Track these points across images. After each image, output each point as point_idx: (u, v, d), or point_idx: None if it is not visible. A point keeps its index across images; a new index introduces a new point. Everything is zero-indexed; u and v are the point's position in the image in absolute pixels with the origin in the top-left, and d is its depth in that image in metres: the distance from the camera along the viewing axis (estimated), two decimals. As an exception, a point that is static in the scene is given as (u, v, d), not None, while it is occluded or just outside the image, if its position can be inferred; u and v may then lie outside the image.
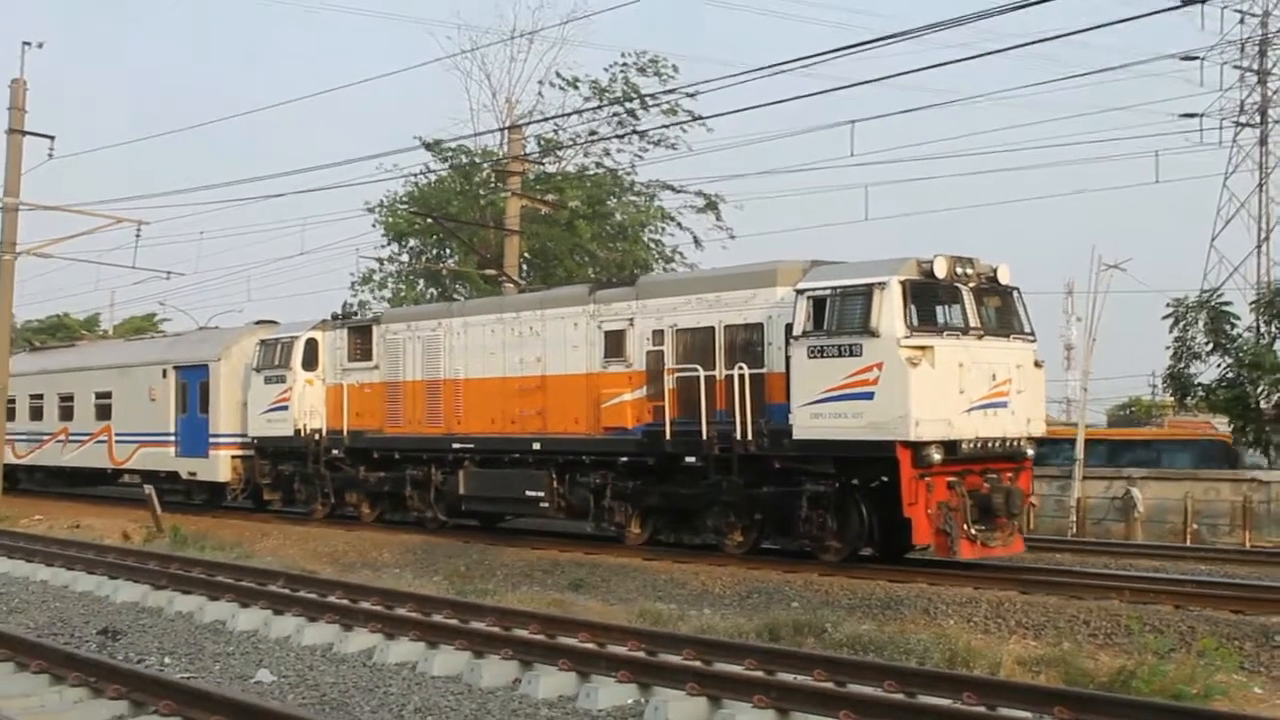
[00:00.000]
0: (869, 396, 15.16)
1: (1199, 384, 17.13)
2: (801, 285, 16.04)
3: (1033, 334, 16.83)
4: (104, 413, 30.40)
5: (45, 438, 32.74)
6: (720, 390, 16.98)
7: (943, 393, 15.16)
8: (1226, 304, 17.08)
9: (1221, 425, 28.05)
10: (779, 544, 17.86)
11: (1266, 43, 41.92)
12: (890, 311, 15.09)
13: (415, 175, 37.62)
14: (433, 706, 9.43)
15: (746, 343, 16.91)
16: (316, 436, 23.93)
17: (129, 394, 29.36)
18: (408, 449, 22.31)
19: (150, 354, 30.15)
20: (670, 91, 33.67)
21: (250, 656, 11.45)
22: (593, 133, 36.26)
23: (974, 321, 15.78)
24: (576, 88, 36.35)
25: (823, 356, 15.56)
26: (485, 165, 36.62)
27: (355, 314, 25.26)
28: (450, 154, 36.90)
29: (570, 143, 36.26)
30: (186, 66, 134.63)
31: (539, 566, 18.11)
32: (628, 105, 35.46)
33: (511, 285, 28.27)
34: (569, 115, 35.28)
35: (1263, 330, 16.70)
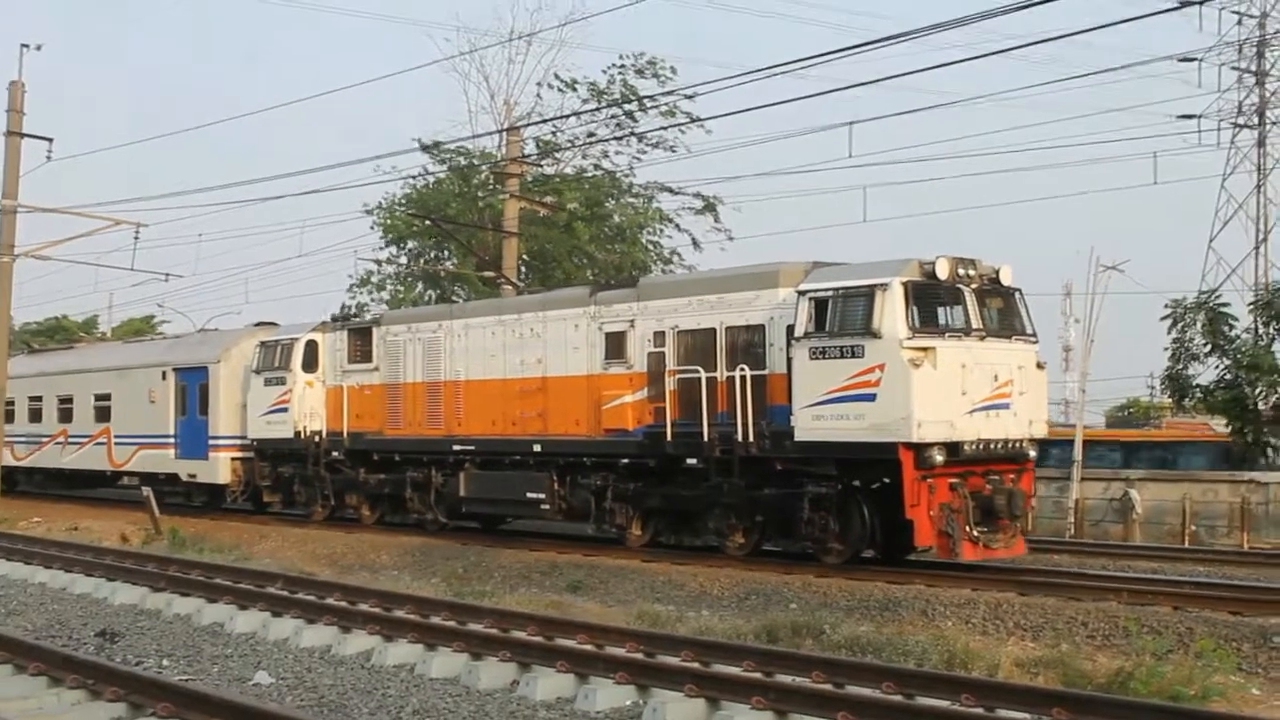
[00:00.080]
0: (871, 398, 15.11)
1: (1197, 385, 17.11)
2: (803, 286, 15.99)
3: (1035, 335, 16.80)
4: (103, 415, 30.36)
5: (44, 440, 32.71)
6: (722, 392, 16.93)
7: (945, 394, 15.11)
8: (1225, 305, 17.07)
9: (1219, 427, 28.05)
10: (781, 546, 17.81)
11: (1265, 44, 41.96)
12: (892, 313, 15.05)
13: (414, 177, 37.68)
14: (431, 708, 9.40)
15: (748, 344, 16.87)
16: (316, 438, 23.88)
17: (128, 396, 29.32)
18: (408, 451, 22.26)
19: (150, 356, 30.12)
20: (669, 93, 33.72)
21: (249, 658, 11.42)
22: (591, 135, 36.29)
23: (976, 323, 15.73)
24: (575, 90, 36.42)
25: (825, 358, 15.51)
26: (483, 167, 36.62)
27: (355, 316, 25.20)
28: (449, 156, 36.90)
29: (568, 145, 36.29)
30: (185, 68, 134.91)
31: (537, 568, 18.07)
32: (626, 107, 35.47)
33: (510, 287, 28.25)
34: (567, 117, 35.33)
35: (1261, 331, 16.66)
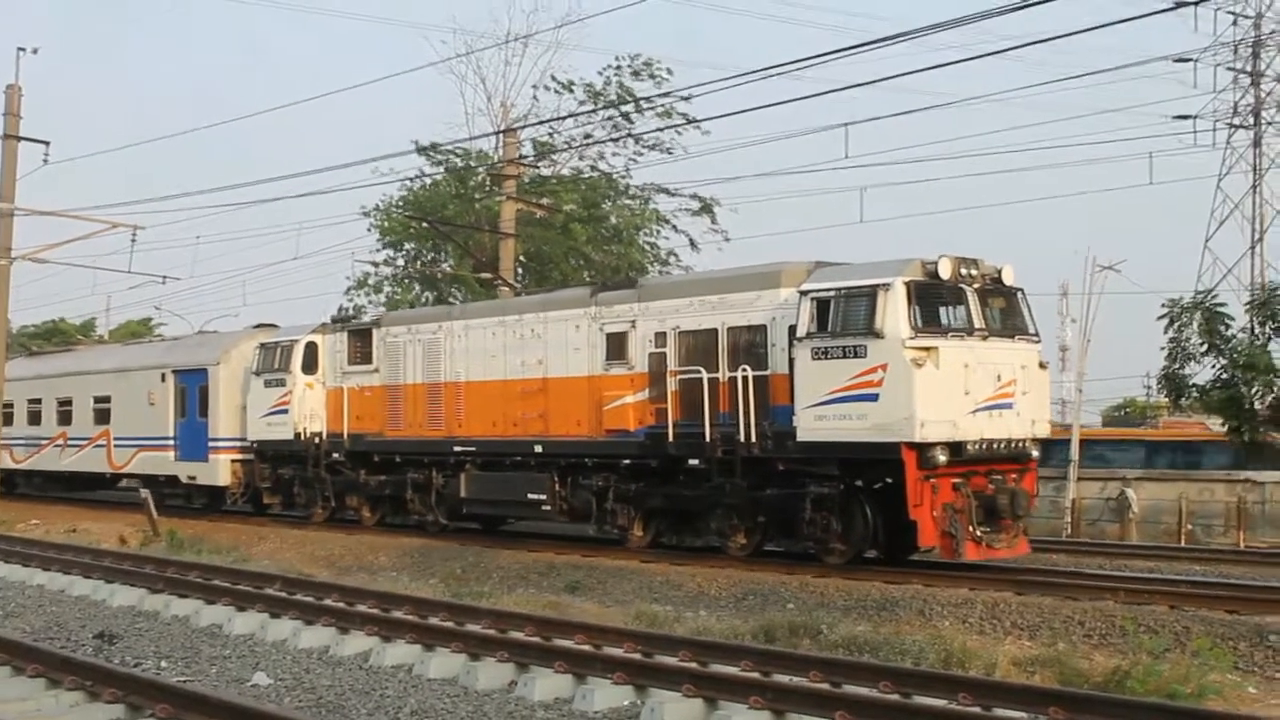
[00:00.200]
0: (874, 398, 15.06)
1: (1193, 385, 17.08)
2: (805, 287, 15.94)
3: (1037, 335, 16.77)
4: (102, 417, 30.32)
5: (43, 442, 32.67)
6: (723, 392, 16.88)
7: (948, 394, 15.06)
8: (1221, 305, 17.03)
9: (1215, 426, 28.07)
10: (783, 546, 17.78)
11: (1260, 45, 42.08)
12: (895, 313, 15.00)
13: (411, 180, 37.70)
14: (429, 709, 9.37)
15: (750, 344, 16.82)
16: (316, 440, 23.83)
17: (128, 398, 29.29)
18: (408, 452, 22.22)
19: (149, 358, 30.09)
20: (665, 95, 33.76)
21: (247, 659, 11.39)
22: (587, 136, 36.34)
23: (979, 322, 15.68)
24: (571, 91, 36.47)
25: (827, 358, 15.46)
26: (480, 169, 36.65)
27: (354, 317, 25.15)
28: (445, 157, 36.92)
29: (565, 146, 36.31)
30: (182, 71, 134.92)
31: (535, 569, 18.04)
32: (622, 109, 35.50)
33: (507, 288, 28.23)
34: (564, 119, 35.35)
35: (1257, 331, 16.64)
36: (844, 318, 15.42)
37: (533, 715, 9.20)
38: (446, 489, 21.50)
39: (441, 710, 9.33)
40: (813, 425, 15.59)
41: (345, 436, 23.30)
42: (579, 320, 19.12)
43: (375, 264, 37.61)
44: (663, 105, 34.46)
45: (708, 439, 16.90)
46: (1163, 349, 17.25)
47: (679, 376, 17.51)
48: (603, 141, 36.18)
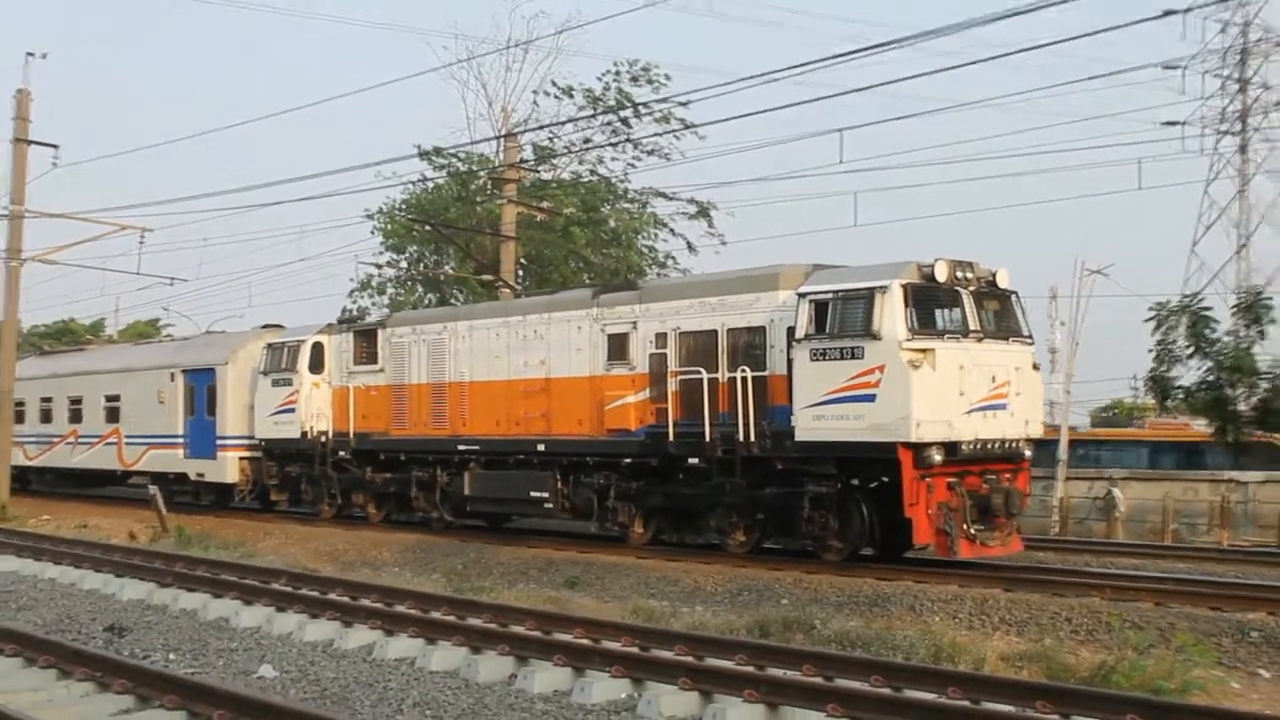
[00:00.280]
0: (871, 399, 15.24)
1: (1179, 386, 17.22)
2: (804, 289, 16.13)
3: (1031, 337, 16.96)
4: (113, 415, 30.58)
5: (55, 440, 32.94)
6: (723, 392, 17.07)
7: (943, 395, 15.24)
8: (1207, 309, 17.20)
9: (1199, 426, 28.29)
10: (781, 544, 17.97)
11: (1247, 52, 42.37)
12: (892, 315, 15.18)
13: (413, 183, 37.90)
14: (431, 701, 9.53)
15: (749, 345, 17.01)
16: (323, 438, 24.05)
17: (138, 397, 29.55)
18: (413, 450, 22.44)
19: (158, 358, 30.34)
20: (663, 100, 33.95)
21: (253, 652, 11.55)
22: (587, 141, 36.54)
23: (974, 324, 15.86)
24: (571, 96, 36.70)
25: (825, 359, 15.65)
26: (481, 173, 36.85)
27: (360, 318, 25.38)
28: (447, 161, 37.10)
29: (565, 151, 36.51)
30: (187, 75, 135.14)
31: (535, 565, 18.25)
32: (621, 114, 35.69)
33: (508, 290, 28.47)
34: (563, 124, 35.54)
35: (1242, 334, 16.81)
36: (841, 319, 15.60)
37: (532, 707, 9.33)
38: (451, 487, 21.71)
39: (443, 702, 9.48)
40: (811, 425, 15.79)
41: (351, 435, 23.53)
42: (581, 321, 19.33)
43: (379, 266, 37.86)
44: (661, 110, 34.68)
45: (707, 438, 17.09)
46: (1150, 351, 17.46)
47: (679, 377, 17.71)
48: (602, 146, 36.43)
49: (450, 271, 37.17)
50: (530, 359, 20.06)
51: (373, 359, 23.31)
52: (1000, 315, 16.45)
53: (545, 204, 34.53)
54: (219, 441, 26.81)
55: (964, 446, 15.36)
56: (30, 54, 29.97)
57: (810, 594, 15.05)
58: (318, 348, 24.42)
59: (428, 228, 35.40)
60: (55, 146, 30.11)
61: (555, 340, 19.66)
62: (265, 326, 28.19)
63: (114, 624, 12.94)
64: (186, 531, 22.24)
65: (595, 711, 9.25)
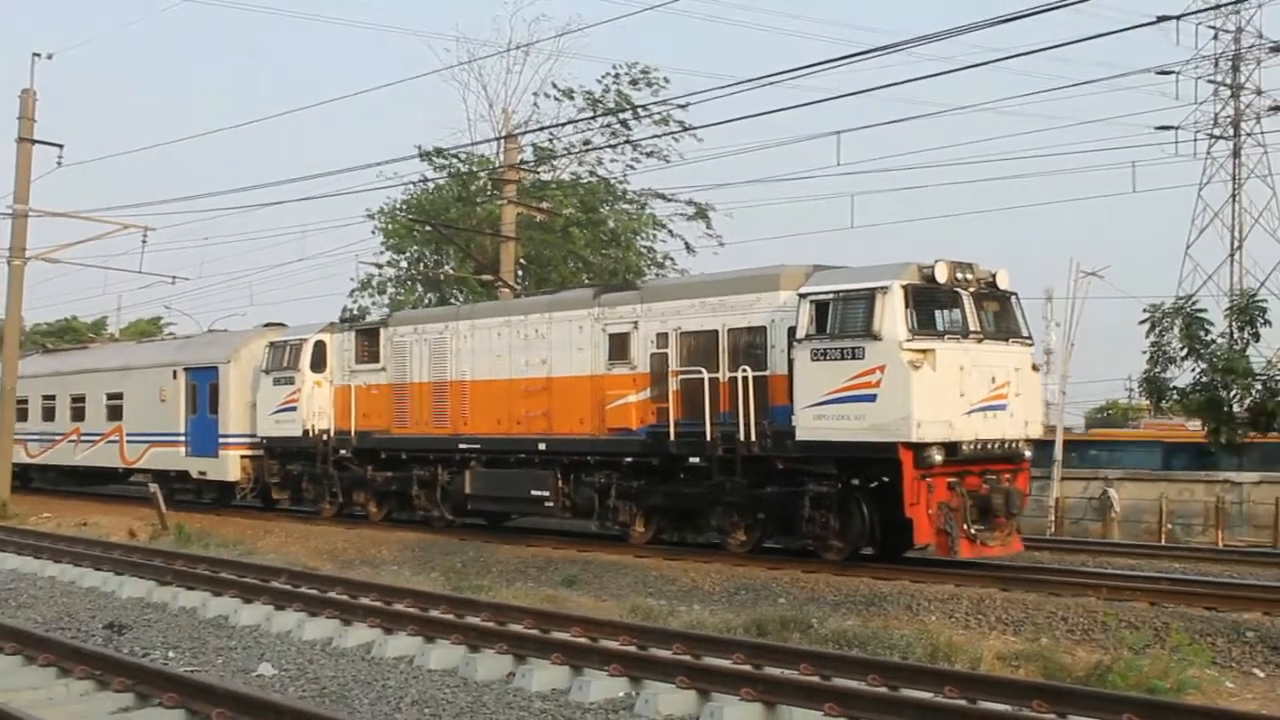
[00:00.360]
0: (871, 399, 15.25)
1: (1174, 388, 17.25)
2: (804, 289, 16.14)
3: (1030, 338, 16.99)
4: (115, 413, 30.61)
5: (57, 438, 32.98)
6: (724, 392, 17.08)
7: (944, 395, 15.25)
8: (1201, 311, 17.23)
9: (1193, 427, 28.34)
10: (782, 543, 17.99)
11: (1240, 58, 42.56)
12: (892, 315, 15.19)
13: (414, 184, 37.95)
14: (430, 699, 9.54)
15: (750, 345, 17.02)
16: (324, 437, 24.07)
17: (140, 395, 29.58)
18: (415, 449, 22.46)
19: (161, 356, 30.37)
20: (662, 103, 34.00)
21: (252, 651, 11.57)
22: (586, 142, 36.61)
23: (974, 325, 15.87)
24: (571, 98, 36.77)
25: (826, 359, 15.66)
26: (482, 174, 36.91)
27: (362, 317, 25.40)
28: (447, 162, 37.16)
29: (565, 152, 36.58)
30: (190, 76, 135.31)
31: (533, 563, 18.27)
32: (621, 116, 35.75)
33: (507, 290, 28.52)
34: (563, 125, 35.59)
35: (1236, 336, 16.84)
36: (842, 320, 15.62)
37: (530, 706, 9.34)
38: (452, 485, 21.73)
39: (442, 700, 9.49)
40: (811, 425, 15.79)
41: (353, 434, 23.56)
42: (582, 321, 19.34)
43: (379, 266, 37.91)
44: (660, 113, 34.73)
45: (708, 438, 17.10)
46: (1144, 353, 17.49)
47: (680, 376, 17.72)
48: (601, 148, 36.52)
49: (450, 271, 37.22)
50: (532, 358, 20.08)
51: (375, 358, 23.33)
52: (1000, 316, 16.47)
53: (545, 205, 34.59)
54: (221, 440, 26.83)
55: (964, 447, 15.38)
56: (36, 54, 30.12)
57: (807, 593, 15.07)
58: (320, 346, 24.45)
59: (428, 228, 35.49)
60: (59, 146, 30.26)
61: (557, 340, 19.67)
62: (267, 325, 28.22)
63: (113, 622, 12.96)
64: (186, 529, 22.26)
65: (593, 710, 9.26)
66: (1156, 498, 25.65)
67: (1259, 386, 16.95)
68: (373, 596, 13.81)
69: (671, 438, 17.66)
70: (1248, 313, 17.20)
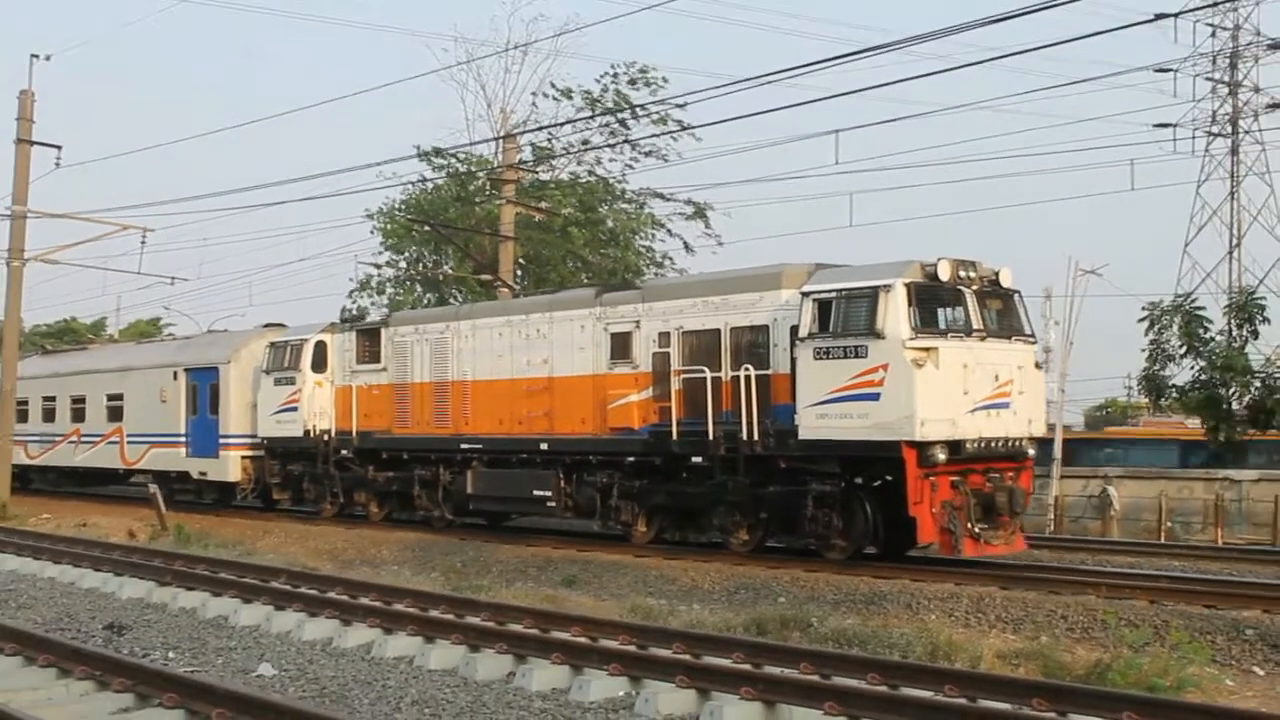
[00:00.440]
0: (875, 397, 15.20)
1: (1173, 386, 17.24)
2: (807, 288, 16.09)
3: (1033, 336, 16.96)
4: (115, 414, 30.58)
5: (57, 439, 32.94)
6: (726, 391, 17.04)
7: (947, 393, 15.20)
8: (1200, 308, 17.22)
9: (1192, 424, 28.31)
10: (784, 542, 17.95)
11: (1237, 56, 42.61)
12: (895, 313, 15.14)
13: (413, 184, 37.97)
14: (430, 699, 9.51)
15: (752, 344, 16.98)
16: (325, 437, 24.04)
17: (140, 396, 29.55)
18: (416, 449, 22.42)
19: (161, 356, 30.34)
20: (660, 102, 34.00)
21: (252, 651, 11.54)
22: (585, 142, 36.63)
23: (977, 323, 15.83)
24: (569, 98, 36.78)
25: (828, 358, 15.60)
26: (480, 174, 36.91)
27: (363, 317, 25.36)
28: (446, 162, 37.17)
29: (563, 152, 36.60)
30: (189, 76, 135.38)
31: (533, 563, 18.23)
32: (619, 115, 35.75)
33: (506, 290, 28.49)
34: (562, 125, 35.60)
35: (1235, 334, 16.83)
36: (845, 318, 15.57)
37: (530, 705, 9.32)
38: (453, 485, 21.69)
39: (442, 700, 9.46)
40: (814, 424, 15.74)
41: (354, 434, 23.51)
42: (584, 320, 19.29)
43: (378, 266, 37.92)
44: (658, 112, 34.75)
45: (711, 437, 17.06)
46: (1143, 351, 17.48)
47: (682, 375, 17.67)
48: (600, 147, 36.57)
49: (449, 271, 37.22)
50: (533, 358, 20.03)
51: (375, 358, 23.28)
52: (1003, 314, 16.42)
53: (543, 204, 34.58)
54: (221, 440, 26.80)
55: (967, 445, 15.34)
56: (34, 55, 30.13)
57: (807, 592, 15.03)
58: (320, 347, 24.41)
59: (427, 228, 35.47)
60: (58, 147, 30.26)
61: (558, 339, 19.63)
62: (267, 325, 28.19)
63: (113, 622, 12.93)
64: (186, 530, 22.24)
65: (593, 709, 9.23)
66: (1156, 496, 25.70)
67: (1258, 384, 16.96)
68: (372, 596, 13.77)
69: (674, 437, 17.61)
70: (1246, 310, 17.20)
